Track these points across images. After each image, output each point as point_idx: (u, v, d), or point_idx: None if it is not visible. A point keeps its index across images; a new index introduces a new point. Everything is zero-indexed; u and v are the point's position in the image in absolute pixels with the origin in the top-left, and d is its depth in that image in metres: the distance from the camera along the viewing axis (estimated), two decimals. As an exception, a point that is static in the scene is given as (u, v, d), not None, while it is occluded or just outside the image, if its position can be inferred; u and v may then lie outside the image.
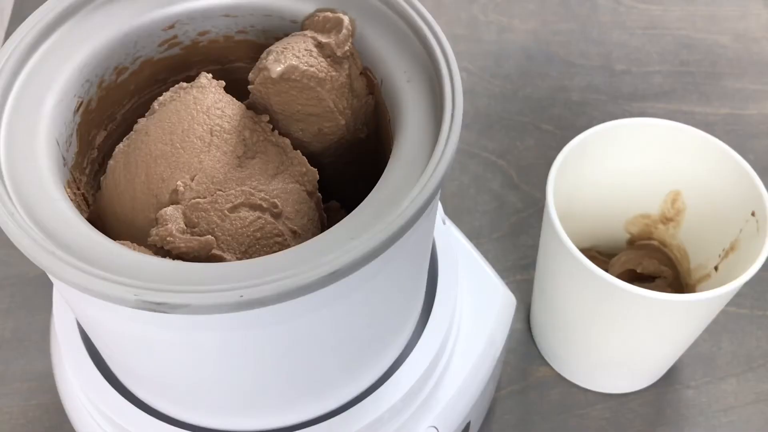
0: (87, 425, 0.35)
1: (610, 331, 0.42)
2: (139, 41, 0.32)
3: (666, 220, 0.48)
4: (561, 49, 0.67)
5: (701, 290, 0.43)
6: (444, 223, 0.39)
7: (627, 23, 0.69)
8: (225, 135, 0.30)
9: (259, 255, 0.29)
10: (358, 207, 0.26)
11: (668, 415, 0.47)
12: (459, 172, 0.58)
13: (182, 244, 0.28)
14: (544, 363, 0.49)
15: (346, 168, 0.34)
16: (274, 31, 0.33)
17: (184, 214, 0.29)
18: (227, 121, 0.31)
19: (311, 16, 0.32)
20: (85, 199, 0.31)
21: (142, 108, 0.34)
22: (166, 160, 0.29)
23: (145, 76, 0.33)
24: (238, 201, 0.29)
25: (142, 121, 0.31)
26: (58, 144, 0.29)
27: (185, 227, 0.28)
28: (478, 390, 0.38)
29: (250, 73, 0.31)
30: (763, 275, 0.52)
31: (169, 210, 0.28)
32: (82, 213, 0.27)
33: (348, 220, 0.26)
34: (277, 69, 0.30)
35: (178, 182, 0.29)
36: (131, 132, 0.31)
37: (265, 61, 0.30)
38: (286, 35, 0.32)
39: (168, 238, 0.28)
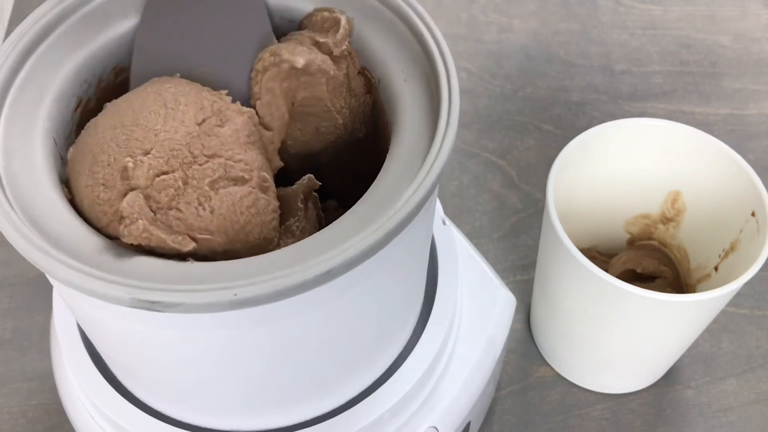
0: (87, 425, 0.35)
1: (610, 331, 0.42)
2: (137, 41, 0.32)
3: (666, 220, 0.48)
4: (561, 49, 0.67)
5: (701, 290, 0.43)
6: (444, 224, 0.39)
7: (627, 23, 0.69)
8: (182, 106, 0.27)
9: (256, 237, 0.27)
10: (354, 205, 0.26)
11: (668, 415, 0.47)
12: (459, 172, 0.58)
13: (167, 237, 0.25)
14: (544, 363, 0.49)
15: (343, 167, 0.34)
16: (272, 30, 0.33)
17: (148, 198, 0.25)
18: (183, 95, 0.28)
19: (309, 15, 0.32)
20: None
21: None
22: (114, 143, 0.26)
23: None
24: (217, 175, 0.26)
25: (92, 119, 0.29)
26: (55, 143, 0.29)
27: (153, 214, 0.25)
28: (479, 390, 0.38)
29: (254, 71, 0.31)
30: (763, 275, 0.52)
31: (129, 198, 0.25)
32: (78, 213, 0.27)
33: (344, 218, 0.26)
34: (301, 60, 0.29)
35: (126, 159, 0.26)
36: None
37: (280, 54, 0.30)
38: (284, 35, 0.32)
39: (143, 235, 0.25)
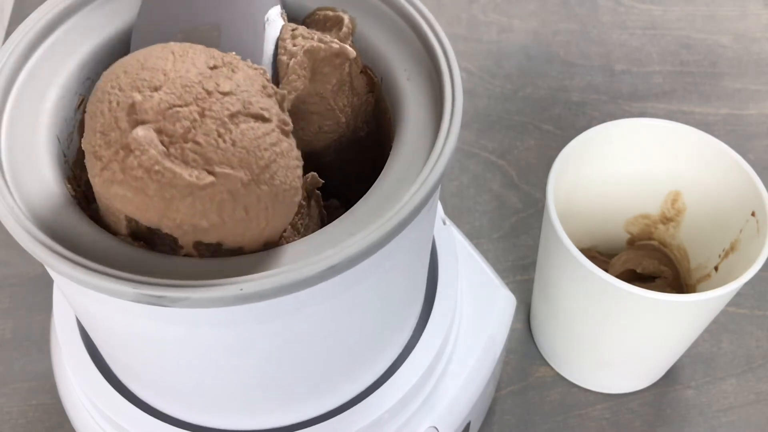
0: (87, 425, 0.35)
1: (610, 331, 0.42)
2: (139, 40, 0.32)
3: (666, 220, 0.48)
4: (561, 49, 0.67)
5: (701, 290, 0.43)
6: (444, 223, 0.39)
7: (627, 23, 0.69)
8: (190, 54, 0.26)
9: (281, 181, 0.25)
10: (358, 203, 0.26)
11: (668, 415, 0.47)
12: (459, 172, 0.58)
13: (182, 172, 0.23)
14: (544, 363, 0.49)
15: (346, 166, 0.34)
16: (274, 29, 0.33)
17: (160, 132, 0.23)
18: (190, 47, 0.26)
19: (311, 14, 0.32)
20: (86, 196, 0.31)
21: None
22: (117, 88, 0.24)
23: (145, 75, 0.33)
24: (236, 108, 0.24)
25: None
26: (59, 140, 0.29)
27: (166, 149, 0.23)
28: (479, 390, 0.38)
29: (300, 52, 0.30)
30: (763, 275, 0.52)
31: (139, 130, 0.23)
32: (82, 209, 0.27)
33: (347, 215, 0.26)
34: (352, 51, 0.30)
35: (133, 94, 0.24)
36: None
37: (329, 43, 0.30)
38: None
39: (155, 168, 0.23)
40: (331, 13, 0.31)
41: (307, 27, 0.32)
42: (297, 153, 0.26)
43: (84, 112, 0.30)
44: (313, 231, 0.29)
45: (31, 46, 0.29)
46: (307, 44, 0.29)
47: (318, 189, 0.31)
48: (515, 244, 0.55)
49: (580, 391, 0.48)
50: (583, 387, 0.48)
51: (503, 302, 0.41)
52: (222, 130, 0.24)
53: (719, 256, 0.44)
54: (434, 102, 0.29)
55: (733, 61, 0.67)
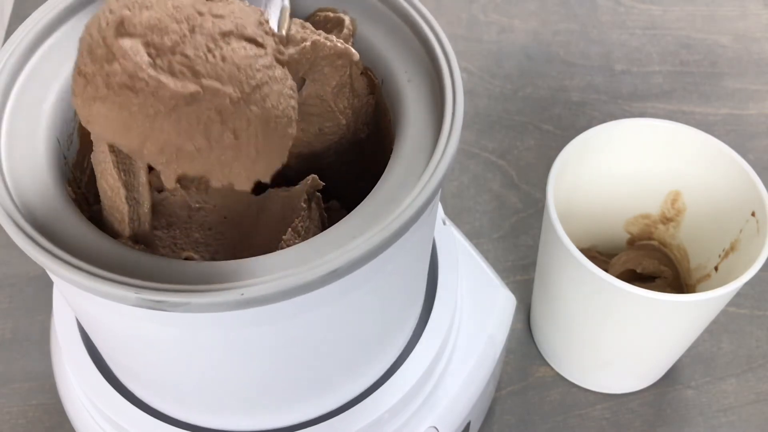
0: (87, 425, 0.35)
1: (610, 331, 0.42)
2: (139, 40, 0.32)
3: (666, 220, 0.48)
4: (561, 49, 0.67)
5: (701, 290, 0.43)
6: (444, 224, 0.39)
7: (627, 23, 0.69)
8: None
9: (273, 105, 0.24)
10: (359, 206, 0.26)
11: (668, 415, 0.47)
12: (459, 172, 0.58)
13: (167, 81, 0.23)
14: (544, 363, 0.49)
15: (346, 168, 0.34)
16: (275, 30, 0.33)
17: (147, 45, 0.23)
18: None
19: (312, 15, 0.32)
20: (86, 198, 0.31)
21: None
22: (109, 11, 0.24)
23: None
24: (228, 28, 0.24)
25: None
26: (59, 142, 0.29)
27: (153, 61, 0.23)
28: (478, 390, 0.38)
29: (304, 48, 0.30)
30: (763, 275, 0.52)
31: (127, 41, 0.22)
32: (82, 212, 0.27)
33: (348, 219, 0.26)
34: (355, 53, 0.30)
35: (124, 11, 0.23)
36: None
37: (334, 42, 0.30)
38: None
39: (140, 75, 0.22)
40: (331, 15, 0.31)
41: (307, 28, 0.32)
42: (292, 83, 0.25)
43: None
44: (314, 234, 0.29)
45: (31, 47, 0.29)
46: (314, 37, 0.29)
47: (318, 191, 0.31)
48: (515, 244, 0.55)
49: (580, 391, 0.48)
50: (583, 387, 0.48)
51: (503, 302, 0.41)
52: (212, 45, 0.23)
53: (719, 256, 0.44)
54: (435, 104, 0.28)
55: (733, 61, 0.67)
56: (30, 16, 0.30)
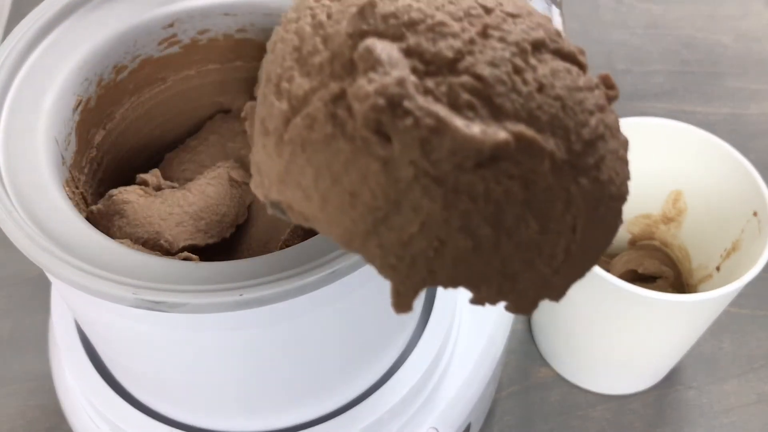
0: (85, 426, 0.35)
1: (611, 331, 0.42)
2: (138, 40, 0.32)
3: (667, 220, 0.48)
4: (561, 49, 0.67)
5: (703, 290, 0.43)
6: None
7: (628, 22, 0.69)
8: None
9: (609, 174, 0.16)
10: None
11: (669, 416, 0.47)
12: (459, 172, 0.58)
13: (454, 121, 0.13)
14: (545, 363, 0.49)
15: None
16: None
17: (410, 53, 0.14)
18: None
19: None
20: (84, 198, 0.31)
21: (142, 107, 0.34)
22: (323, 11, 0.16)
23: (144, 75, 0.33)
24: (538, 35, 0.15)
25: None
26: (56, 142, 0.28)
27: (419, 80, 0.14)
28: (479, 391, 0.38)
29: (255, 89, 0.30)
30: (764, 275, 0.52)
31: (377, 42, 0.14)
32: (80, 212, 0.27)
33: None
34: None
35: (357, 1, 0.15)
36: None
37: None
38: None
39: (406, 103, 0.13)
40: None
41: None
42: (626, 138, 0.17)
43: (82, 113, 0.30)
44: (313, 234, 0.29)
45: (29, 46, 0.29)
46: None
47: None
48: (516, 244, 0.54)
49: (580, 392, 0.48)
50: (583, 388, 0.48)
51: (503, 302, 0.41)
52: (521, 64, 0.15)
53: (721, 256, 0.44)
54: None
55: (734, 60, 0.66)
56: (29, 14, 0.30)
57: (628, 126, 0.44)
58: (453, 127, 0.13)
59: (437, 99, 0.14)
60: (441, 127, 0.13)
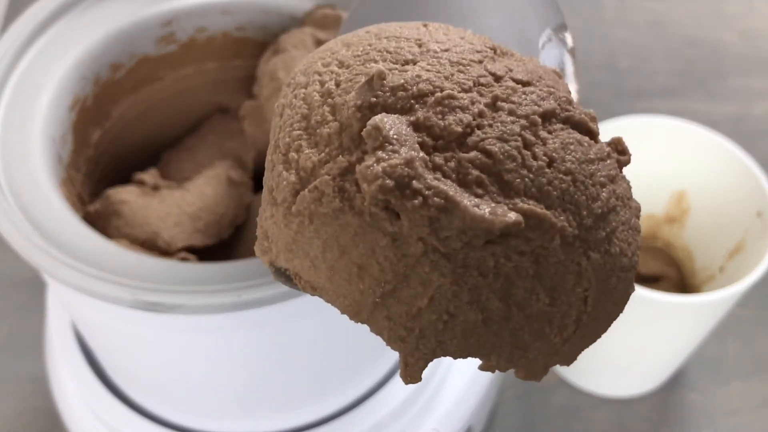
0: (82, 429, 0.35)
1: (614, 333, 0.42)
2: (135, 38, 0.32)
3: (671, 220, 0.48)
4: (564, 48, 0.66)
5: (706, 291, 0.43)
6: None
7: (631, 20, 0.69)
8: (452, 31, 0.17)
9: (620, 246, 0.17)
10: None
11: (673, 418, 0.47)
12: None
13: (462, 201, 0.14)
14: (547, 365, 0.49)
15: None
16: (273, 27, 0.33)
17: (418, 127, 0.14)
18: (448, 28, 0.18)
19: (310, 12, 0.32)
20: (81, 198, 0.31)
21: (139, 106, 0.34)
22: (337, 64, 0.16)
23: (141, 74, 0.33)
24: (549, 106, 0.15)
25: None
26: (53, 142, 0.28)
27: (428, 155, 0.14)
28: (480, 394, 0.38)
29: (254, 88, 0.30)
30: (768, 276, 0.52)
31: (385, 117, 0.14)
32: (77, 212, 0.27)
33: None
34: None
35: (370, 65, 0.15)
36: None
37: (278, 79, 0.29)
38: (285, 32, 0.32)
39: (414, 183, 0.14)
40: (330, 11, 0.31)
41: (306, 25, 0.31)
42: (638, 205, 0.18)
43: (78, 112, 0.30)
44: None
45: (25, 44, 0.29)
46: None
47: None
48: (518, 244, 0.54)
49: (583, 395, 0.48)
50: (586, 390, 0.48)
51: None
52: (531, 138, 0.15)
53: (724, 256, 0.44)
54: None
55: (738, 59, 0.66)
56: (25, 13, 0.30)
57: (631, 125, 0.44)
58: (462, 207, 0.13)
59: (446, 175, 0.14)
60: (450, 206, 0.13)
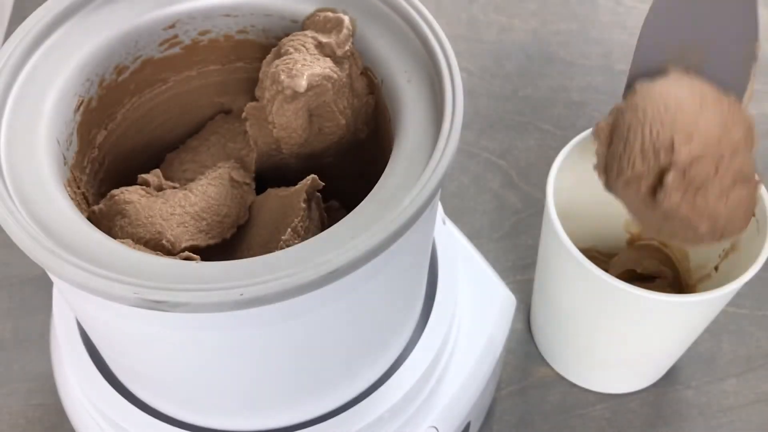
0: (87, 426, 0.35)
1: (610, 331, 0.42)
2: (139, 40, 0.32)
3: (666, 220, 0.48)
4: (561, 49, 0.67)
5: (701, 290, 0.43)
6: (444, 223, 0.39)
7: (627, 23, 0.69)
8: (710, 97, 0.31)
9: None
10: (359, 206, 0.26)
11: (668, 415, 0.47)
12: (459, 172, 0.58)
13: (693, 217, 0.31)
14: (544, 363, 0.49)
15: (346, 168, 0.34)
16: (275, 30, 0.33)
17: (683, 176, 0.29)
18: (703, 87, 0.32)
19: (312, 15, 0.32)
20: (86, 198, 0.31)
21: (143, 107, 0.34)
22: (660, 123, 0.30)
23: (145, 76, 0.33)
24: (737, 175, 0.30)
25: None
26: (58, 143, 0.29)
27: (684, 192, 0.28)
28: (478, 390, 0.38)
29: (256, 90, 0.31)
30: (763, 275, 0.52)
31: (675, 174, 0.29)
32: (82, 212, 0.27)
33: (348, 218, 0.26)
34: (302, 84, 0.29)
35: (675, 136, 0.29)
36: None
37: (280, 82, 0.30)
38: (287, 35, 0.32)
39: (675, 206, 0.29)
40: (331, 15, 0.31)
41: (308, 28, 0.32)
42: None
43: (83, 114, 0.30)
44: (313, 234, 0.29)
45: (31, 47, 0.29)
46: (278, 112, 0.31)
47: (318, 191, 0.31)
48: (515, 244, 0.55)
49: (580, 391, 0.48)
50: (583, 387, 0.48)
51: (503, 302, 0.41)
52: (726, 190, 0.29)
53: (719, 255, 0.44)
54: (435, 104, 0.28)
55: (733, 60, 0.66)
56: (31, 15, 0.30)
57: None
58: (689, 221, 0.33)
59: (688, 203, 0.31)
60: (685, 222, 0.34)
